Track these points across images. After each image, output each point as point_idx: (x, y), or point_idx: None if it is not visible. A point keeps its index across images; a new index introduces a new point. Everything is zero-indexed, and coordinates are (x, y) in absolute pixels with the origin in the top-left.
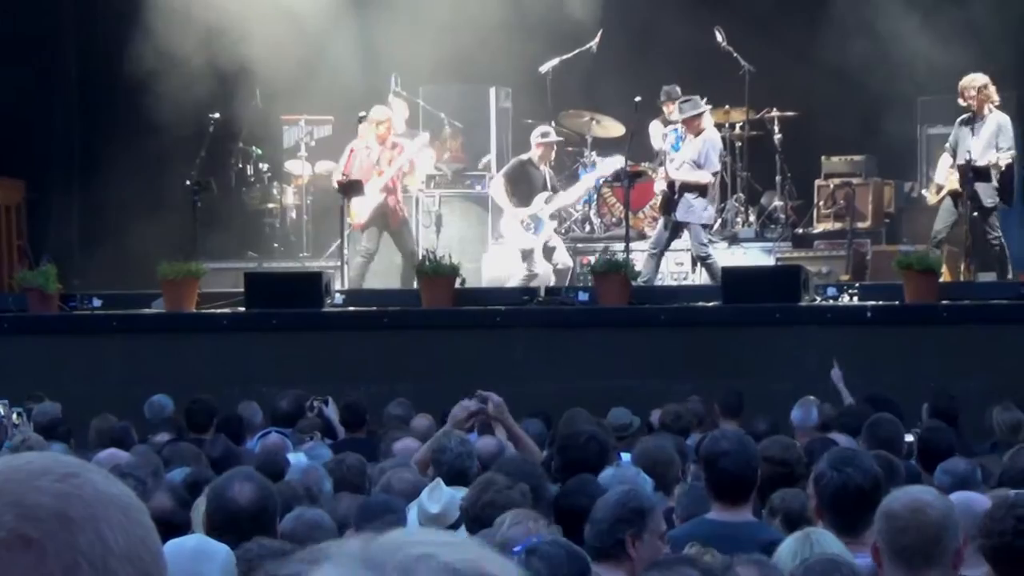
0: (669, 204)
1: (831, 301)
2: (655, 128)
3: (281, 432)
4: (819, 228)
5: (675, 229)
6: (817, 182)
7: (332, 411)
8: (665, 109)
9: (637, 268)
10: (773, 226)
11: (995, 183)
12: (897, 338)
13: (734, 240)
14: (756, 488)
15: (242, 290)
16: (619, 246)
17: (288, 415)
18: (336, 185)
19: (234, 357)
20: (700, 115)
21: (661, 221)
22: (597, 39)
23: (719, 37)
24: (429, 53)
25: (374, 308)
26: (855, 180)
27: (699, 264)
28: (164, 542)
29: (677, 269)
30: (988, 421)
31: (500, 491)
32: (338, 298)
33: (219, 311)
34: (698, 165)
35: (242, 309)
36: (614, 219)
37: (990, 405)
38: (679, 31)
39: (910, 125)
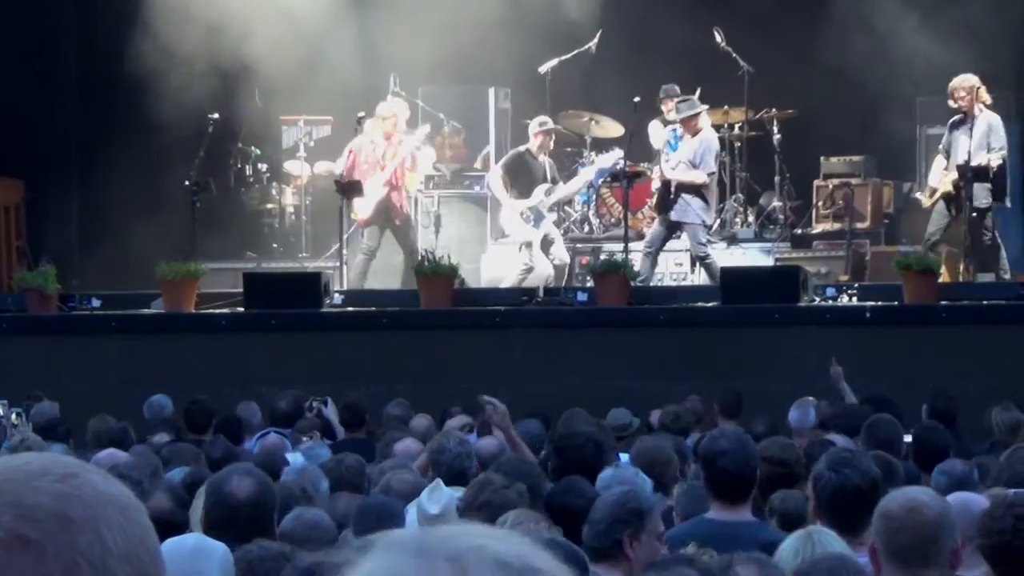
0: (665, 203)
1: (830, 301)
2: (654, 128)
3: (280, 432)
4: (818, 228)
5: (671, 229)
6: (816, 182)
7: (331, 411)
8: (664, 108)
9: (635, 268)
10: (772, 226)
11: (988, 184)
12: (896, 338)
13: (733, 240)
14: (755, 488)
15: (241, 290)
16: (618, 246)
17: (287, 415)
18: (335, 185)
19: (233, 357)
20: (697, 115)
21: (657, 220)
22: (596, 39)
23: (718, 37)
24: (428, 53)
25: (373, 308)
26: (854, 180)
27: (698, 264)
28: (162, 542)
29: (676, 269)
30: (987, 421)
31: (497, 491)
32: (337, 298)
33: (218, 311)
34: (694, 165)
35: (241, 309)
36: (613, 219)
37: (989, 405)
38: (678, 31)
39: (909, 125)
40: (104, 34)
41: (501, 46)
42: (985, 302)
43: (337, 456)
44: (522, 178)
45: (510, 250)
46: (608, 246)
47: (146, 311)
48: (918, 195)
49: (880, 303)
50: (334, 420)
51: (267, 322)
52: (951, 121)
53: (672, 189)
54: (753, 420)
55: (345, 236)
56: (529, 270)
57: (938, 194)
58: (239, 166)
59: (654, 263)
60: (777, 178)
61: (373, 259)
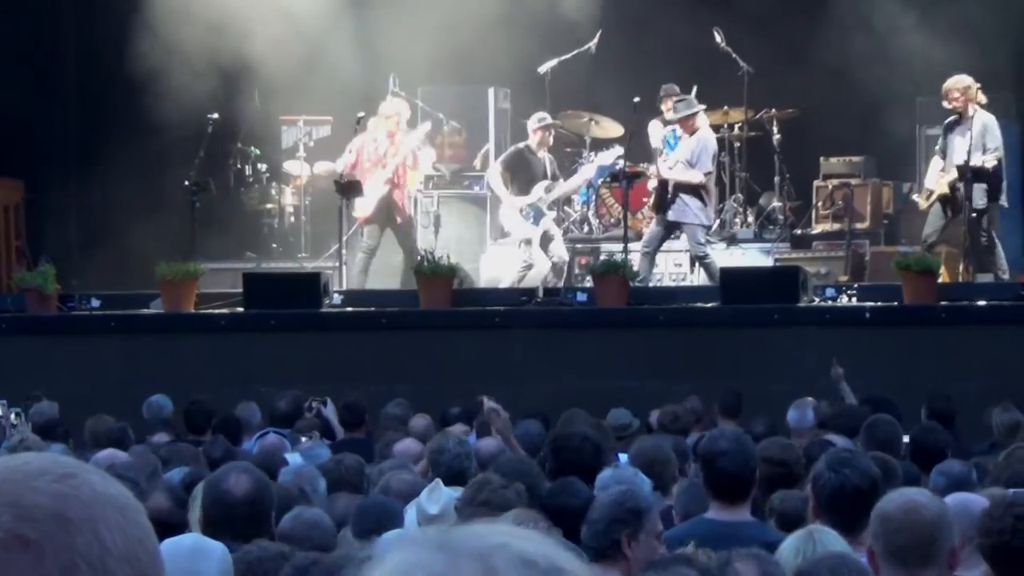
0: (662, 203)
1: (830, 302)
2: (654, 127)
3: (279, 433)
4: (818, 229)
5: (669, 228)
6: (816, 183)
7: (330, 412)
8: (664, 108)
9: (635, 268)
10: (772, 227)
11: (984, 184)
12: (896, 339)
13: (732, 241)
14: (754, 488)
15: (240, 290)
16: (617, 247)
17: (286, 416)
18: (335, 184)
19: (232, 357)
20: (694, 115)
21: (655, 220)
22: (596, 40)
23: (718, 38)
24: (428, 53)
25: (372, 309)
26: (853, 181)
27: (697, 264)
28: (161, 542)
29: (676, 270)
30: (987, 422)
31: (495, 491)
32: (336, 298)
33: (217, 311)
34: (691, 165)
35: (240, 309)
36: (612, 220)
37: (989, 406)
38: (678, 32)
39: (909, 126)
40: (103, 34)
41: (501, 46)
42: (985, 302)
43: (336, 456)
44: (521, 175)
45: (509, 250)
46: (607, 246)
47: (145, 311)
48: (915, 197)
49: (880, 303)
50: (333, 420)
51: (266, 322)
52: (946, 122)
53: (670, 189)
54: (753, 420)
55: (345, 237)
56: (529, 267)
57: (934, 196)
58: (239, 166)
59: (652, 263)
60: (777, 178)
61: (373, 257)
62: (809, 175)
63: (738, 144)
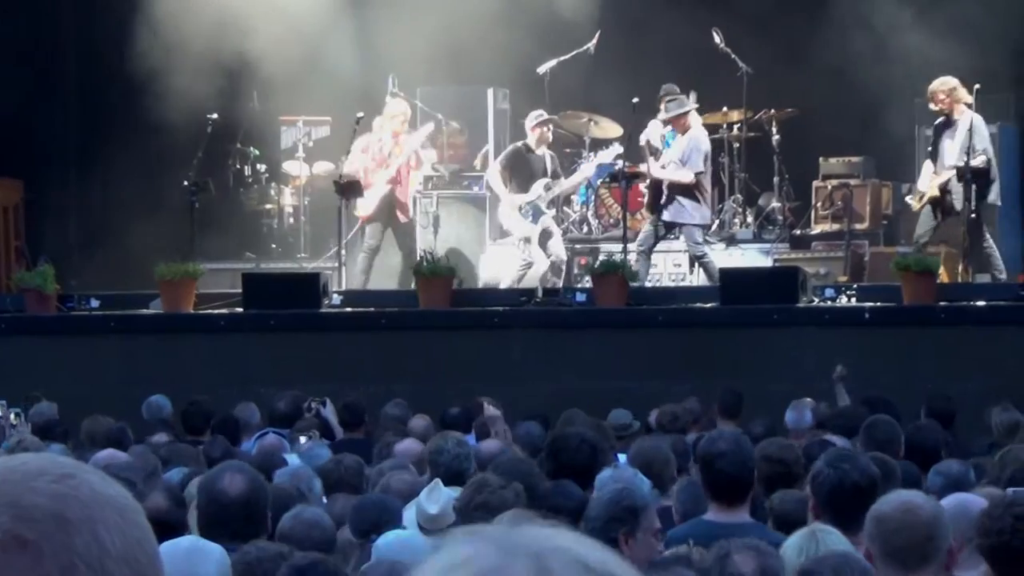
0: (656, 203)
1: (829, 302)
2: (653, 127)
3: (279, 433)
4: (817, 229)
5: (666, 229)
6: (815, 183)
7: (330, 412)
8: (662, 107)
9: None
10: (771, 227)
11: (974, 184)
12: (895, 339)
13: (732, 241)
14: (753, 489)
15: (240, 291)
16: (616, 247)
17: (286, 416)
18: (334, 185)
19: (232, 358)
20: (685, 114)
21: (650, 219)
22: (595, 40)
23: (717, 38)
24: (427, 54)
25: (372, 309)
26: (853, 181)
27: (696, 264)
28: (160, 542)
29: (675, 270)
30: (986, 422)
31: (494, 492)
32: (336, 299)
33: (217, 312)
34: (683, 164)
35: (240, 310)
36: (612, 220)
37: (988, 406)
38: (677, 32)
39: (908, 126)
40: (103, 34)
41: (500, 46)
42: (984, 303)
43: (336, 456)
44: (520, 173)
45: (509, 250)
46: (607, 247)
47: (145, 311)
48: (908, 199)
49: (879, 304)
50: (333, 421)
51: (266, 322)
52: (936, 124)
53: (664, 189)
54: (752, 421)
55: (344, 238)
56: (529, 266)
57: (925, 198)
58: (238, 166)
59: (648, 262)
60: (776, 179)
61: (375, 256)
62: (808, 175)
63: (737, 144)
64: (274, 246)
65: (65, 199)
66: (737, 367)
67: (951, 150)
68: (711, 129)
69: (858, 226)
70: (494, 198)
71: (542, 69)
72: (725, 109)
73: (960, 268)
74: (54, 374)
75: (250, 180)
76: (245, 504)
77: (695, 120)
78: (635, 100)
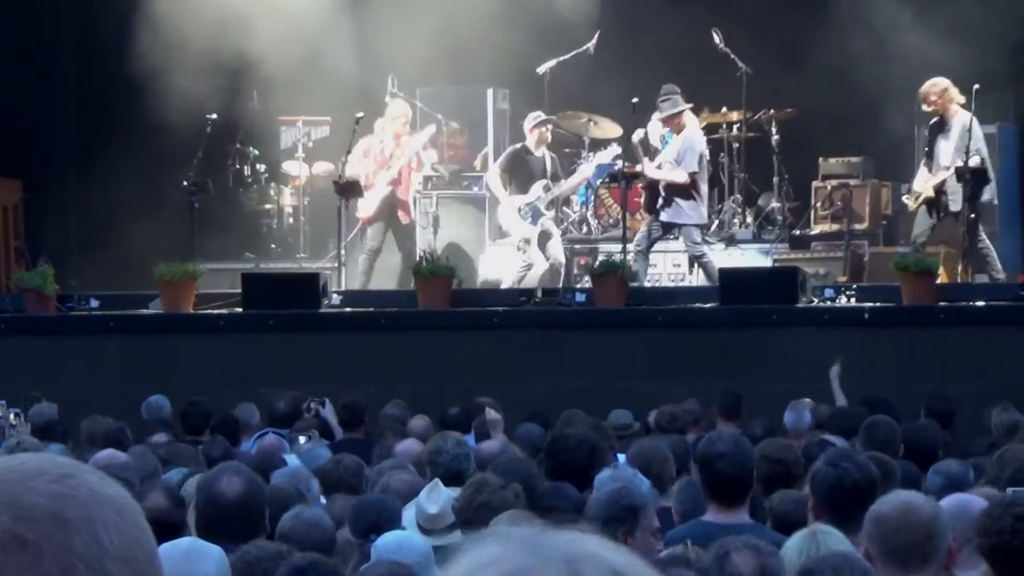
0: (652, 203)
1: (828, 302)
2: (653, 127)
3: (278, 433)
4: (816, 229)
5: (665, 229)
6: (814, 183)
7: (329, 412)
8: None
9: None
10: (770, 227)
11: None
12: (894, 339)
13: (731, 241)
14: (752, 489)
15: (239, 291)
16: (616, 247)
17: (285, 416)
18: (333, 185)
19: (231, 358)
20: (679, 114)
21: (646, 220)
22: (595, 40)
23: (716, 39)
24: (426, 54)
25: (371, 309)
26: (852, 182)
27: (696, 264)
28: (160, 542)
29: (674, 270)
30: (985, 422)
31: (494, 492)
32: (335, 299)
33: (216, 312)
34: (678, 164)
35: (239, 310)
36: (611, 220)
37: (987, 406)
38: (677, 32)
39: (907, 127)
40: (103, 34)
41: (499, 47)
42: (983, 303)
43: (335, 457)
44: (519, 175)
45: (508, 251)
46: (606, 247)
47: (144, 311)
48: (905, 199)
49: (878, 304)
50: (332, 421)
51: (265, 323)
52: (930, 125)
53: (660, 189)
54: (752, 422)
55: (344, 239)
56: (529, 267)
57: (921, 198)
58: (237, 167)
59: (646, 261)
60: (775, 179)
61: (377, 257)
62: (808, 176)
63: (737, 145)
64: (274, 246)
65: (65, 199)
66: (736, 367)
67: (946, 150)
68: (711, 129)
69: (857, 226)
70: (493, 199)
71: (542, 69)
72: (724, 109)
73: (959, 268)
74: (54, 374)
75: (250, 180)
76: (243, 506)
77: (690, 120)
78: (635, 100)
